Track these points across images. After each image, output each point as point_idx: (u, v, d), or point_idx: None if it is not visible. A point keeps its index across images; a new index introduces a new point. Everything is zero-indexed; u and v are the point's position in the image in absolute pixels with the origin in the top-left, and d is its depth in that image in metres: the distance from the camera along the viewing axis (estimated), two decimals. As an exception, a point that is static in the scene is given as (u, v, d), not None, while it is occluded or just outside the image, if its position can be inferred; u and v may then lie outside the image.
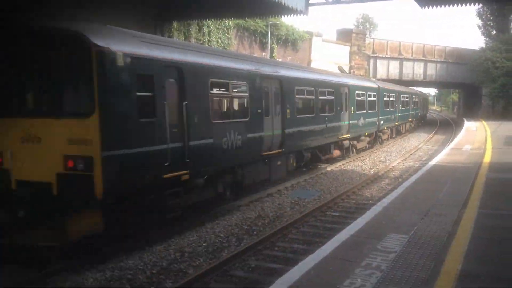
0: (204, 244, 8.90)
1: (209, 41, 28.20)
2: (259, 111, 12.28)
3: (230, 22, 29.58)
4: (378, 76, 47.64)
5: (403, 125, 34.52)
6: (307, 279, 5.17)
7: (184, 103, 9.18)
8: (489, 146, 19.92)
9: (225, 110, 11.50)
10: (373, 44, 49.52)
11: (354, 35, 46.74)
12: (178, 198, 9.29)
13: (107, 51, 7.52)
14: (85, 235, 7.78)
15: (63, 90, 8.17)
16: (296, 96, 14.70)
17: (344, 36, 46.61)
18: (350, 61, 45.83)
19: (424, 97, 56.47)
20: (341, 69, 38.72)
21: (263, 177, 13.03)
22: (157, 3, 22.29)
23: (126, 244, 8.55)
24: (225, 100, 11.44)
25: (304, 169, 16.83)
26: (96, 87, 7.42)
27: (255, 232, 9.79)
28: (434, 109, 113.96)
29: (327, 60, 41.11)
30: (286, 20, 36.25)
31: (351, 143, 21.16)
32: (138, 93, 8.10)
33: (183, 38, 26.65)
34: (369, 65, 48.38)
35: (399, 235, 6.77)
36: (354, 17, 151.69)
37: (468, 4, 18.24)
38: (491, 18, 58.90)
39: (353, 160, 20.67)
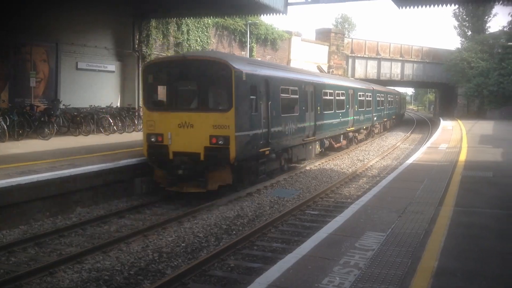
0: (182, 244, 8.83)
1: (188, 39, 27.91)
2: (304, 108, 16.93)
3: (209, 20, 29.33)
4: (357, 76, 48.04)
5: (388, 121, 39.03)
6: (286, 278, 5.16)
7: (269, 102, 13.67)
8: (464, 144, 20.29)
9: (287, 107, 15.51)
10: (352, 44, 49.86)
11: (333, 34, 46.97)
12: (263, 165, 13.83)
13: (238, 71, 11.93)
14: (220, 185, 12.07)
15: (209, 95, 12.54)
16: (323, 97, 19.50)
17: (323, 36, 46.80)
18: (328, 61, 46.04)
19: (403, 97, 57.90)
20: (320, 68, 38.89)
21: (302, 157, 17.47)
22: (134, 0, 21.95)
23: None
24: (287, 100, 15.55)
25: (327, 152, 21.81)
26: (233, 93, 11.69)
27: (234, 232, 9.76)
28: (411, 109, 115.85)
29: (306, 60, 41.22)
30: (266, 19, 36.29)
31: (354, 134, 25.91)
32: (251, 97, 12.64)
33: (162, 36, 26.31)
34: (347, 64, 48.72)
35: (377, 233, 6.82)
36: (333, 17, 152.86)
37: (444, 5, 18.58)
38: (467, 19, 60.01)
39: (332, 159, 20.84)
